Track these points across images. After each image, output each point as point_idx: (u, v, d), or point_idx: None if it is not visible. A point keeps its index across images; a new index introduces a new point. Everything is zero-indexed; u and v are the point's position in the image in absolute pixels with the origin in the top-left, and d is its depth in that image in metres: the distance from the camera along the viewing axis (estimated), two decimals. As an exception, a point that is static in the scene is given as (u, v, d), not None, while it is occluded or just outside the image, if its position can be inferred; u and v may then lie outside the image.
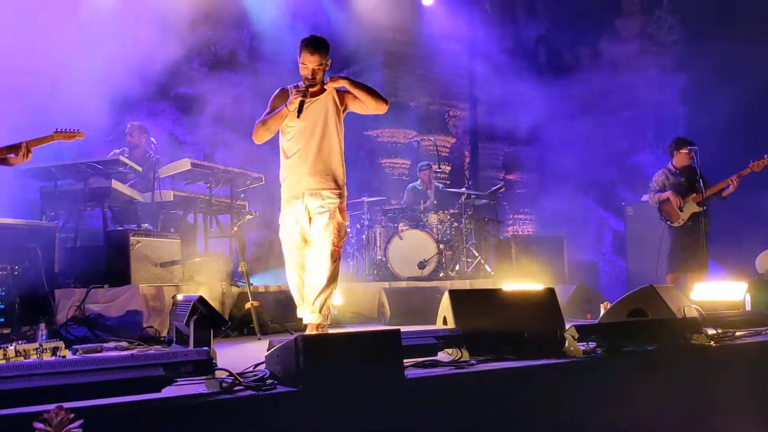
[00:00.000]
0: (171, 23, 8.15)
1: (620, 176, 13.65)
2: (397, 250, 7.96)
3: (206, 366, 2.65)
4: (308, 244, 4.56)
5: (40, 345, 3.74)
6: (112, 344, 4.69)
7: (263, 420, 2.60)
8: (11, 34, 6.93)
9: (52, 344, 3.81)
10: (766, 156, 7.00)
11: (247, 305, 5.44)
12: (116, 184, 6.41)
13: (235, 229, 6.34)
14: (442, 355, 3.51)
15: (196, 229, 7.14)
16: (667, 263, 7.35)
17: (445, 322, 3.90)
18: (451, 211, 8.74)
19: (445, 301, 3.92)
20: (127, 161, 6.48)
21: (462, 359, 3.44)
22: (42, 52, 6.99)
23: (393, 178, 12.85)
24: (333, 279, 4.48)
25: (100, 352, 4.41)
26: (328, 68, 4.57)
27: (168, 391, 2.52)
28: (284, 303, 5.56)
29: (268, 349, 3.13)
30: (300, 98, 4.39)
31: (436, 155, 9.81)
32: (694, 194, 7.09)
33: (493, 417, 3.15)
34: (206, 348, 2.91)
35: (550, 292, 4.11)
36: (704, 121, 11.80)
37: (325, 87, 4.60)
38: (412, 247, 7.98)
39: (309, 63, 4.47)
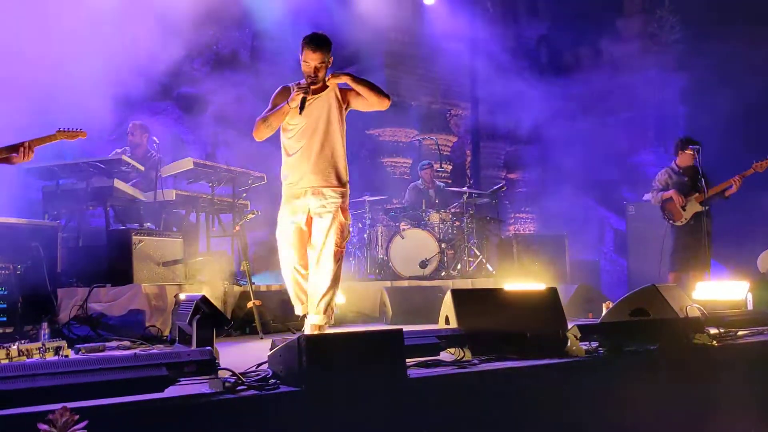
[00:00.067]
0: (173, 23, 8.14)
1: (621, 175, 13.65)
2: (399, 249, 7.96)
3: (209, 366, 2.65)
4: (310, 245, 4.55)
5: (43, 344, 3.74)
6: (114, 343, 4.70)
7: (266, 420, 2.60)
8: (13, 34, 6.93)
9: (55, 344, 3.82)
10: None
11: (249, 304, 5.44)
12: (118, 184, 6.41)
13: (237, 228, 6.35)
14: (445, 355, 3.51)
15: (198, 229, 7.14)
16: (669, 262, 7.35)
17: (447, 321, 3.90)
18: (453, 210, 8.74)
19: (448, 300, 3.92)
20: (129, 160, 6.48)
21: (464, 359, 3.44)
22: (44, 52, 6.99)
23: (395, 177, 12.86)
24: (336, 280, 4.48)
25: (102, 351, 4.42)
26: (330, 66, 4.56)
27: (171, 391, 2.52)
28: (286, 302, 5.53)
29: (270, 349, 3.14)
30: (302, 95, 4.37)
31: (438, 154, 9.82)
32: (697, 194, 7.09)
33: (495, 417, 3.16)
34: (209, 348, 2.92)
35: (553, 291, 4.12)
36: (705, 121, 11.79)
37: (327, 83, 4.58)
38: (413, 247, 7.97)
39: (311, 60, 4.45)
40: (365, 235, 8.40)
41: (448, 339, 3.53)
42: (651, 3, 15.05)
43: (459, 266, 8.63)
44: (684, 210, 7.18)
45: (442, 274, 8.15)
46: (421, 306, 6.49)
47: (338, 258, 4.49)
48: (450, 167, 13.87)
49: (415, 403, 2.94)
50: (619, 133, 14.42)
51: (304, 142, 4.54)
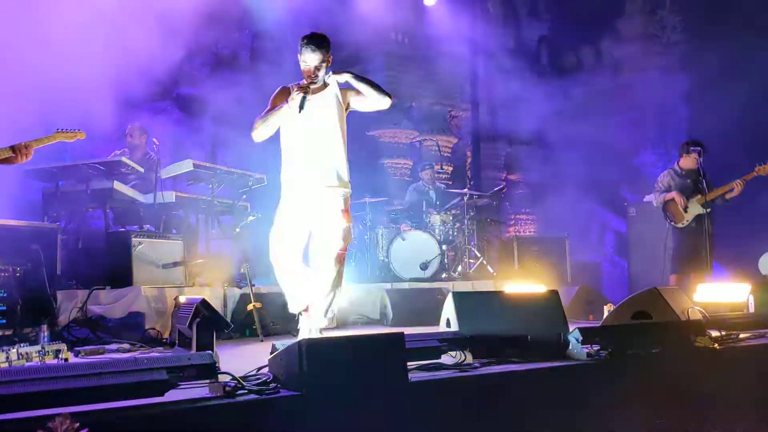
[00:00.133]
0: (173, 24, 8.13)
1: (622, 177, 13.64)
2: (400, 251, 7.95)
3: (209, 370, 2.64)
4: (311, 247, 4.53)
5: (43, 347, 3.72)
6: (114, 346, 4.68)
7: (267, 424, 2.59)
8: (13, 34, 6.92)
9: (55, 346, 3.80)
10: None
11: (249, 307, 5.43)
12: (118, 185, 6.40)
13: (238, 230, 6.33)
14: (446, 358, 3.49)
15: (198, 231, 7.13)
16: (670, 265, 7.34)
17: (448, 324, 3.89)
18: (454, 211, 8.72)
19: (449, 303, 3.91)
20: (129, 162, 6.47)
21: (465, 362, 3.43)
22: (44, 53, 6.97)
23: (395, 179, 12.84)
24: (338, 283, 4.47)
25: (102, 353, 4.40)
26: (329, 65, 4.53)
27: (171, 395, 2.51)
28: (287, 305, 5.54)
29: (271, 353, 3.12)
30: (302, 94, 4.33)
31: (438, 155, 9.79)
32: (699, 196, 7.07)
33: (497, 421, 3.14)
34: (209, 351, 2.90)
35: (554, 294, 4.10)
36: (707, 122, 11.79)
37: (328, 81, 4.55)
38: (414, 248, 7.96)
39: (310, 61, 4.42)
40: (366, 237, 8.39)
41: (449, 342, 3.52)
42: (652, 4, 15.04)
43: (460, 268, 8.61)
44: (686, 212, 7.17)
45: (443, 275, 8.14)
46: (422, 308, 6.48)
47: (340, 261, 4.48)
48: (450, 168, 13.86)
49: (416, 407, 2.92)
50: (620, 135, 14.40)
51: (304, 142, 4.51)
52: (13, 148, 4.61)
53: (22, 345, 3.77)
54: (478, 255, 8.70)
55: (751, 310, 5.34)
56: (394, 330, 3.88)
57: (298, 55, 4.51)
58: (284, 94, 4.56)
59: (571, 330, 3.79)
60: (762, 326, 4.78)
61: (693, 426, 3.77)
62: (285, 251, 4.51)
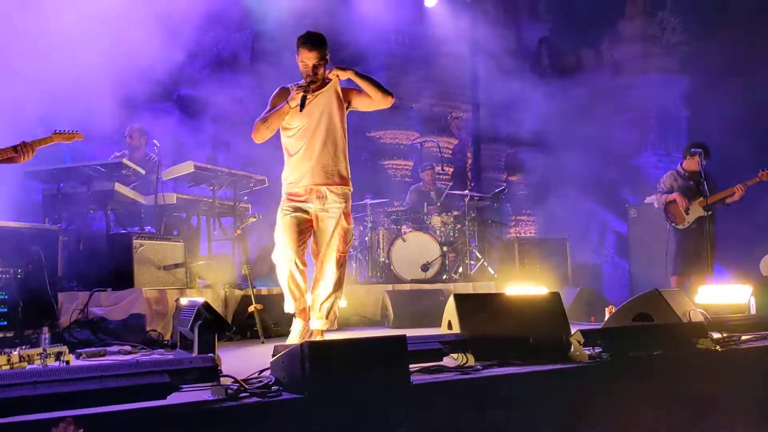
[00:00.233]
0: (173, 25, 8.13)
1: (623, 178, 13.64)
2: (401, 252, 7.95)
3: (211, 372, 2.63)
4: (313, 248, 4.52)
5: (44, 350, 3.72)
6: (115, 348, 4.67)
7: (269, 427, 2.59)
8: (13, 35, 6.92)
9: (56, 349, 3.80)
10: None
11: (251, 309, 5.43)
12: (119, 187, 6.40)
13: (239, 231, 6.33)
14: (447, 360, 3.49)
15: (199, 232, 7.13)
16: (671, 266, 7.35)
17: (449, 326, 3.88)
18: (454, 213, 8.73)
19: (450, 305, 3.90)
20: (130, 164, 6.47)
21: (467, 364, 3.42)
22: (44, 53, 6.98)
23: (396, 180, 12.86)
24: (339, 285, 4.46)
25: (103, 355, 4.41)
26: (327, 63, 4.52)
27: (173, 398, 2.50)
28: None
29: (273, 355, 3.12)
30: (302, 93, 4.31)
31: (439, 157, 9.79)
32: (701, 198, 7.07)
33: (499, 423, 3.14)
34: (211, 354, 2.90)
35: (556, 296, 4.10)
36: (707, 124, 11.79)
37: (330, 77, 4.53)
38: (415, 250, 7.96)
39: (308, 60, 4.41)
40: (367, 239, 8.39)
41: (451, 344, 3.51)
42: (653, 5, 15.04)
43: (461, 269, 8.61)
44: (687, 214, 7.17)
45: (444, 277, 8.14)
46: (423, 309, 6.48)
47: (341, 263, 4.48)
48: (451, 170, 13.87)
49: (418, 409, 2.92)
50: (620, 136, 14.40)
51: (305, 141, 4.49)
52: (15, 148, 4.61)
53: (23, 347, 3.77)
54: (479, 256, 8.71)
55: (753, 311, 5.35)
56: (395, 332, 3.88)
57: (296, 56, 4.49)
58: (284, 94, 4.54)
59: (572, 332, 3.78)
60: (764, 328, 4.78)
61: (695, 428, 3.76)
62: (287, 251, 4.49)
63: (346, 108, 4.64)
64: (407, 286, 7.46)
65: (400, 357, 2.95)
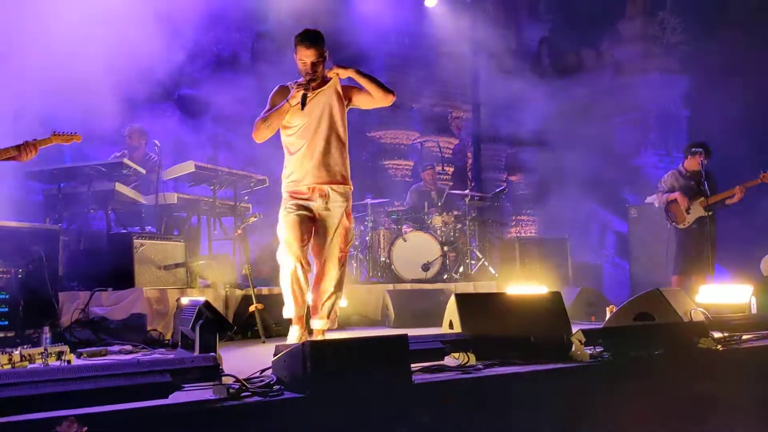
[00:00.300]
0: (173, 24, 8.14)
1: (623, 178, 13.65)
2: (401, 252, 7.95)
3: (213, 372, 2.64)
4: (314, 248, 4.51)
5: (45, 349, 3.72)
6: (116, 347, 4.67)
7: (270, 426, 2.59)
8: (14, 35, 6.92)
9: (57, 348, 3.80)
10: None
11: (251, 308, 5.43)
12: (120, 187, 6.40)
13: (239, 231, 6.33)
14: (449, 360, 3.49)
15: (199, 232, 7.13)
16: (672, 266, 7.35)
17: (451, 326, 3.89)
18: (455, 212, 8.73)
19: (452, 305, 3.90)
20: (130, 164, 6.48)
21: (469, 364, 3.42)
22: (45, 54, 6.98)
23: (396, 180, 12.86)
24: (340, 284, 4.45)
25: (104, 355, 4.40)
26: (326, 60, 4.49)
27: (175, 398, 2.50)
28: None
29: (274, 355, 3.12)
30: (302, 91, 4.28)
31: (440, 156, 9.79)
32: (702, 198, 7.07)
33: (500, 422, 3.14)
34: (213, 354, 2.90)
35: (557, 296, 4.10)
36: (708, 124, 11.79)
37: (330, 75, 4.51)
38: (415, 249, 7.96)
39: (306, 58, 4.38)
40: (367, 238, 8.39)
41: (452, 344, 3.52)
42: (653, 5, 15.04)
43: (461, 269, 8.62)
44: (688, 213, 7.18)
45: (445, 277, 8.14)
46: (424, 309, 6.48)
47: (342, 263, 4.47)
48: (451, 170, 13.87)
49: (420, 408, 2.92)
50: (621, 136, 14.42)
51: (306, 139, 4.46)
52: (18, 148, 4.62)
53: (24, 346, 3.78)
54: (480, 256, 8.71)
55: (754, 311, 5.35)
56: (396, 331, 3.88)
57: (294, 54, 4.46)
58: (283, 92, 4.51)
59: (573, 331, 3.78)
60: (764, 327, 4.78)
61: (695, 427, 3.76)
62: (293, 250, 4.45)
63: (347, 105, 4.63)
64: (408, 286, 7.46)
65: (402, 356, 2.95)
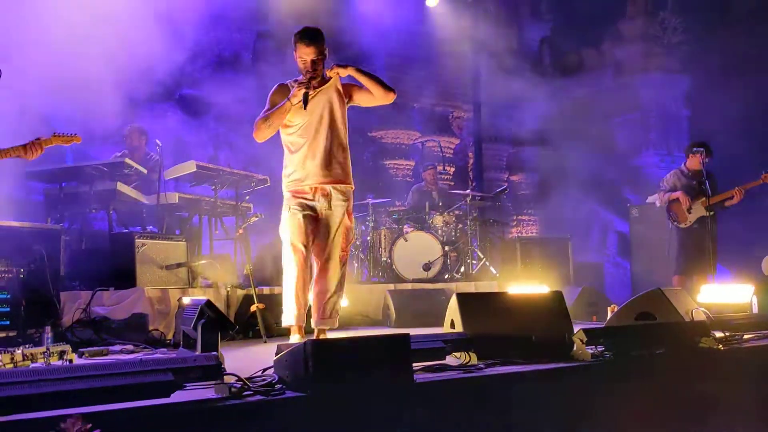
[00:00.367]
0: (175, 25, 8.15)
1: (624, 178, 13.65)
2: (402, 251, 7.95)
3: (215, 371, 2.64)
4: (315, 248, 4.49)
5: (47, 348, 3.73)
6: (117, 347, 4.68)
7: (272, 425, 2.59)
8: (15, 35, 6.93)
9: (59, 348, 3.81)
10: None
11: (253, 308, 5.43)
12: (121, 187, 6.41)
13: (240, 231, 6.33)
14: (450, 359, 3.49)
15: (201, 232, 7.13)
16: (674, 266, 7.35)
17: (452, 325, 3.89)
18: (456, 212, 8.73)
19: (453, 304, 3.91)
20: (132, 163, 6.48)
21: (470, 363, 3.43)
22: (46, 54, 6.99)
23: (397, 180, 12.87)
24: (341, 284, 4.45)
25: (106, 354, 4.40)
26: (326, 58, 4.47)
27: (177, 396, 2.51)
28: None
29: (276, 354, 3.12)
30: (304, 90, 4.25)
31: (441, 156, 9.79)
32: (703, 198, 7.07)
33: (502, 421, 3.14)
34: (215, 353, 2.91)
35: (558, 295, 4.10)
36: (709, 123, 11.78)
37: (330, 75, 4.47)
38: (417, 249, 7.96)
39: (306, 55, 4.35)
40: (368, 238, 8.39)
41: (453, 343, 3.52)
42: (654, 5, 15.04)
43: (462, 269, 8.62)
44: (689, 213, 7.17)
45: (446, 276, 8.14)
46: (425, 309, 6.48)
47: (344, 262, 4.46)
48: (452, 169, 13.88)
49: (422, 407, 2.92)
50: (621, 135, 14.41)
51: (307, 138, 4.43)
52: (25, 147, 4.63)
53: (26, 346, 3.78)
54: (481, 256, 8.71)
55: (755, 310, 5.35)
56: (397, 331, 3.89)
57: (294, 52, 4.43)
58: (282, 91, 4.48)
59: (575, 331, 3.79)
60: (766, 327, 4.77)
61: (697, 426, 3.76)
62: (301, 254, 4.42)
63: (347, 103, 4.60)
64: (409, 286, 7.46)
65: (404, 355, 2.95)
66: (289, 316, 4.50)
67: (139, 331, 5.13)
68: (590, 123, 13.54)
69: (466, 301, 3.90)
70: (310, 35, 4.36)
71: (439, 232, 8.37)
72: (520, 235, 13.63)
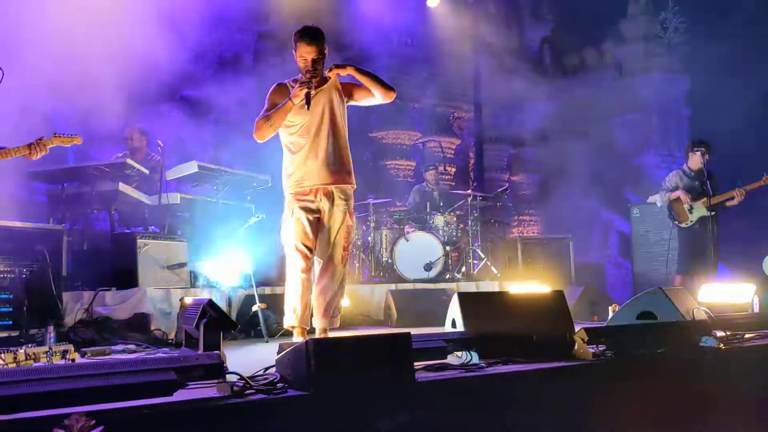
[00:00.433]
0: (176, 25, 8.15)
1: (625, 178, 13.64)
2: (404, 252, 7.95)
3: (217, 370, 2.65)
4: (316, 246, 4.47)
5: (50, 348, 3.74)
6: (120, 347, 4.70)
7: (274, 423, 2.60)
8: (17, 35, 6.94)
9: (62, 347, 3.82)
10: None
11: (255, 308, 5.44)
12: (123, 187, 6.42)
13: (242, 231, 6.34)
14: (452, 358, 3.50)
15: (202, 232, 7.14)
16: (675, 265, 7.36)
17: (453, 324, 3.89)
18: (457, 212, 8.74)
19: (454, 303, 3.91)
20: (134, 164, 6.50)
21: (471, 362, 3.43)
22: (48, 53, 7.00)
23: (398, 180, 12.87)
24: (342, 283, 4.44)
25: (108, 354, 4.42)
26: (326, 57, 4.45)
27: (180, 395, 2.52)
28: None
29: (278, 353, 3.13)
30: (306, 90, 4.22)
31: (442, 157, 9.80)
32: (705, 198, 7.08)
33: (503, 420, 3.15)
34: (217, 352, 2.92)
35: (559, 294, 4.10)
36: (710, 124, 11.79)
37: (329, 75, 4.43)
38: (418, 249, 7.97)
39: (307, 54, 4.30)
40: (369, 238, 8.40)
41: (455, 342, 3.53)
42: (655, 4, 15.04)
43: (463, 269, 8.63)
44: (690, 213, 7.18)
45: (447, 276, 8.15)
46: (426, 309, 6.49)
47: (345, 262, 4.46)
48: (453, 170, 13.88)
49: (423, 406, 2.93)
50: (622, 135, 14.41)
51: (308, 138, 4.40)
52: (29, 146, 4.65)
53: (29, 346, 3.79)
54: (482, 256, 8.71)
55: (756, 310, 5.36)
56: (399, 331, 3.89)
57: (294, 51, 4.39)
58: (281, 90, 4.45)
59: (576, 330, 3.79)
60: (766, 326, 4.78)
61: (698, 425, 3.77)
62: (306, 260, 4.38)
63: (347, 102, 4.59)
64: (410, 286, 7.47)
65: (405, 354, 2.96)
66: (291, 318, 4.47)
67: (141, 331, 5.15)
68: (591, 123, 13.55)
69: (467, 300, 3.90)
70: (311, 34, 4.34)
71: (441, 232, 8.38)
72: (521, 235, 13.61)
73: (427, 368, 3.25)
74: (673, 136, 14.45)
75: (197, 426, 2.46)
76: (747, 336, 4.45)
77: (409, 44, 13.32)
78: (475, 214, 8.84)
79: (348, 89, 4.56)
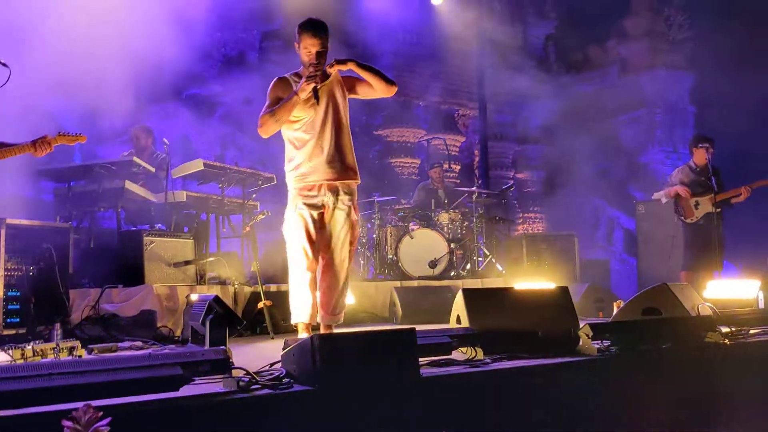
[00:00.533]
0: (182, 24, 8.18)
1: (630, 174, 13.64)
2: (408, 249, 7.96)
3: (223, 365, 2.66)
4: (321, 243, 4.47)
5: (57, 344, 3.76)
6: (126, 343, 4.71)
7: (280, 418, 2.61)
8: (20, 35, 6.97)
9: (69, 344, 3.84)
10: None
11: (260, 305, 5.46)
12: (129, 185, 6.44)
13: (248, 229, 6.36)
14: (456, 354, 3.51)
15: (208, 230, 7.17)
16: (681, 261, 7.35)
17: (458, 321, 3.90)
18: (462, 210, 8.74)
19: (459, 300, 3.92)
20: (140, 162, 6.52)
21: (476, 358, 3.44)
22: (53, 53, 7.02)
23: (403, 178, 12.89)
24: (347, 279, 4.45)
25: (115, 351, 4.44)
26: (329, 51, 4.43)
27: (186, 390, 2.53)
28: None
29: (283, 349, 3.15)
30: (313, 84, 4.20)
31: (446, 154, 9.81)
32: (711, 194, 7.07)
33: (508, 416, 3.16)
34: (223, 347, 2.93)
35: (564, 290, 4.11)
36: (714, 120, 11.76)
37: (330, 71, 4.39)
38: (423, 247, 7.98)
39: (312, 46, 4.27)
40: (374, 236, 8.41)
41: (460, 338, 3.53)
42: (659, 1, 15.02)
43: (468, 266, 8.63)
44: (696, 209, 7.17)
45: (452, 273, 8.15)
46: (431, 306, 6.49)
47: (351, 257, 4.46)
48: (458, 167, 13.89)
49: (428, 402, 2.94)
50: (627, 132, 14.40)
51: (313, 133, 4.37)
52: (34, 144, 4.68)
53: (36, 342, 3.82)
54: (487, 253, 8.72)
55: (761, 306, 5.35)
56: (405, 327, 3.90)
57: (296, 44, 4.36)
58: (283, 85, 4.41)
59: (580, 326, 3.80)
60: (772, 322, 4.78)
61: (703, 421, 3.77)
62: (310, 257, 4.38)
63: (348, 95, 4.57)
64: (415, 283, 7.48)
65: (410, 350, 2.97)
66: (299, 314, 4.46)
67: (147, 327, 5.16)
68: (596, 120, 13.54)
69: (472, 296, 3.91)
70: (316, 26, 4.32)
71: (445, 229, 8.38)
72: (526, 232, 13.63)
73: (432, 364, 3.26)
74: (677, 132, 14.43)
75: (203, 421, 2.47)
76: (752, 332, 4.45)
77: (413, 42, 13.33)
78: (480, 212, 8.85)
79: (349, 83, 4.54)
